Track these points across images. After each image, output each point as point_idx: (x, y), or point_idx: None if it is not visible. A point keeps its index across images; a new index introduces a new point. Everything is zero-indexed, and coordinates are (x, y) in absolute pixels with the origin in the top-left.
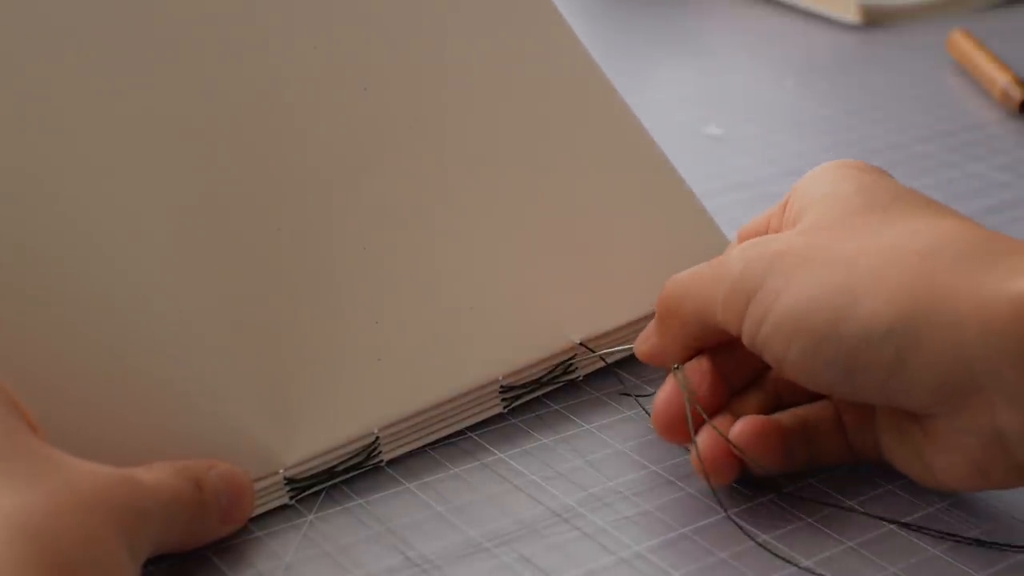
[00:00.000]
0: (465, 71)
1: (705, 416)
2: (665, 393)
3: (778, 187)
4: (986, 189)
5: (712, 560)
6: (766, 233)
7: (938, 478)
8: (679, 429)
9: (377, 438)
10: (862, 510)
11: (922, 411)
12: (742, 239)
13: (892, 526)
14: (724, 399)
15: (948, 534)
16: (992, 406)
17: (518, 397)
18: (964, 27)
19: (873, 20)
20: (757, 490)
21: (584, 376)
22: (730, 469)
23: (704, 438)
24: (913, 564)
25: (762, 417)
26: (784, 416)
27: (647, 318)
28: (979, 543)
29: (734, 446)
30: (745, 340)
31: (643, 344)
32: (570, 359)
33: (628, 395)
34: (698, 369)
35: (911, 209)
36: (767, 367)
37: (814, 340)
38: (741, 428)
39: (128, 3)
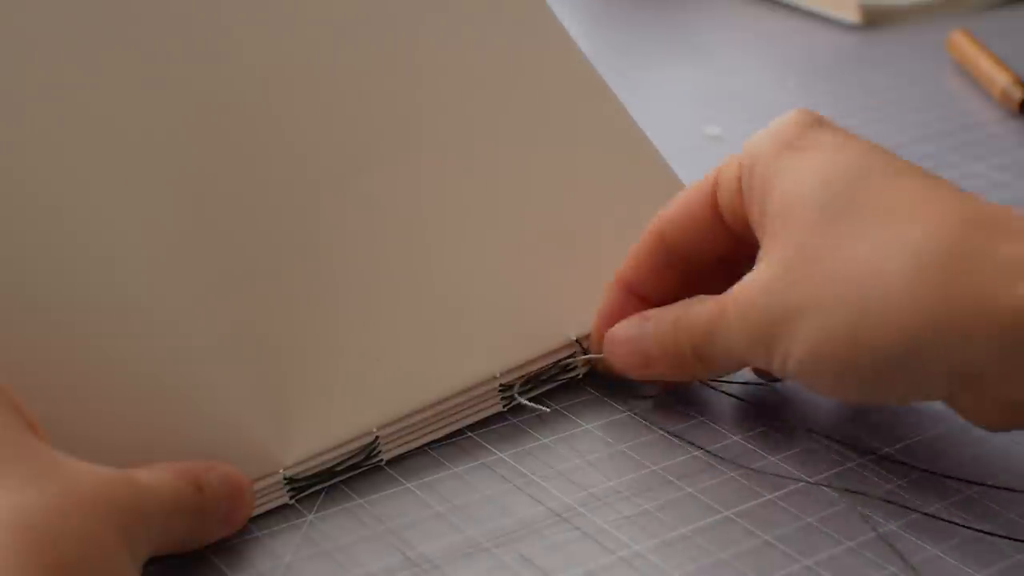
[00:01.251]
0: (460, 70)
1: None
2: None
3: None
4: (986, 189)
5: (712, 560)
6: (692, 220)
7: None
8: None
9: (377, 438)
10: (864, 510)
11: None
12: (665, 223)
13: (893, 525)
14: None
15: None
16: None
17: (520, 394)
18: (964, 27)
19: (873, 20)
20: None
21: (584, 376)
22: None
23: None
24: (914, 563)
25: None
26: None
27: None
28: (983, 534)
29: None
30: (776, 371)
31: (642, 368)
32: (569, 357)
33: (627, 394)
34: None
35: (887, 200)
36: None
37: (836, 375)
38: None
39: (124, 5)
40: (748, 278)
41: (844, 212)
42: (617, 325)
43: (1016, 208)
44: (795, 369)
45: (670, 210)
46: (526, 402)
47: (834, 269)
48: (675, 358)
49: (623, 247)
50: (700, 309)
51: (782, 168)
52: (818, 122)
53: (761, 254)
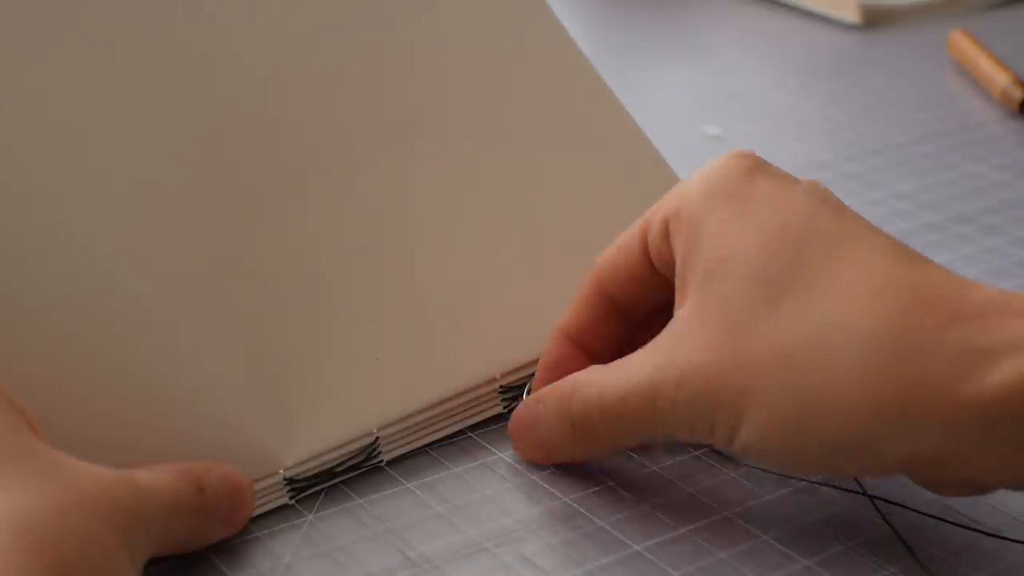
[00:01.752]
0: (459, 71)
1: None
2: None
3: None
4: (986, 189)
5: (712, 560)
6: (626, 267)
7: None
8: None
9: (377, 438)
10: (864, 511)
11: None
12: (601, 270)
13: (891, 526)
14: None
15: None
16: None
17: (518, 397)
18: (964, 27)
19: (873, 20)
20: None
21: None
22: None
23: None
24: (913, 564)
25: None
26: None
27: None
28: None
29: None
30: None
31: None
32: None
33: None
34: None
35: (832, 273)
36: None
37: (784, 457)
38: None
39: (123, 6)
40: (672, 347)
41: (785, 285)
42: (520, 405)
43: (1016, 208)
44: (740, 450)
45: (606, 256)
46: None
47: (778, 349)
48: (578, 443)
49: None
50: (607, 389)
51: (712, 220)
52: (756, 168)
53: (684, 313)
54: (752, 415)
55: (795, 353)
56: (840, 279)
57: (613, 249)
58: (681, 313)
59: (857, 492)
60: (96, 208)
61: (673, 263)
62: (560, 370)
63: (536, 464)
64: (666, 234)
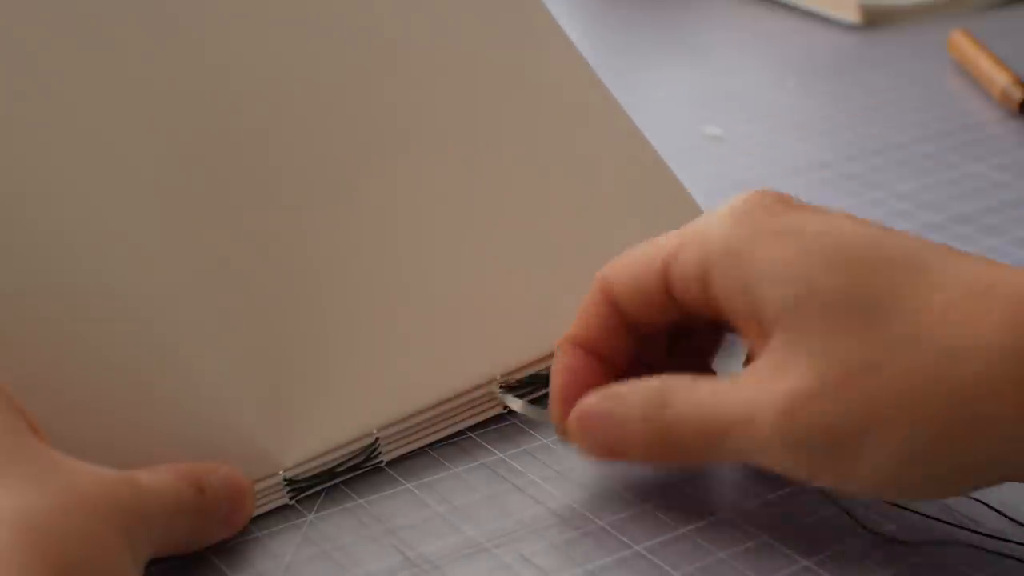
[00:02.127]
0: (457, 72)
1: None
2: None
3: (778, 187)
4: (986, 189)
5: (712, 560)
6: (641, 294)
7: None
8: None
9: (377, 439)
10: (864, 511)
11: None
12: (612, 284)
13: (893, 526)
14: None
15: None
16: None
17: (518, 397)
18: (964, 27)
19: (873, 20)
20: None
21: None
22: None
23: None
24: (913, 564)
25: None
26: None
27: None
28: (982, 537)
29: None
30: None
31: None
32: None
33: None
34: None
35: (908, 294)
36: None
37: (906, 490)
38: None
39: (122, 5)
40: (778, 391)
41: (874, 313)
42: (587, 399)
43: (1016, 208)
44: (857, 486)
45: (619, 272)
46: (516, 406)
47: (896, 381)
48: (660, 450)
49: (622, 249)
50: (704, 407)
51: (764, 256)
52: (784, 202)
53: (774, 353)
54: (873, 450)
55: (914, 386)
56: (917, 301)
57: (626, 270)
58: (773, 344)
59: (852, 514)
60: (96, 209)
61: (704, 302)
62: (579, 377)
63: (597, 459)
64: (698, 276)
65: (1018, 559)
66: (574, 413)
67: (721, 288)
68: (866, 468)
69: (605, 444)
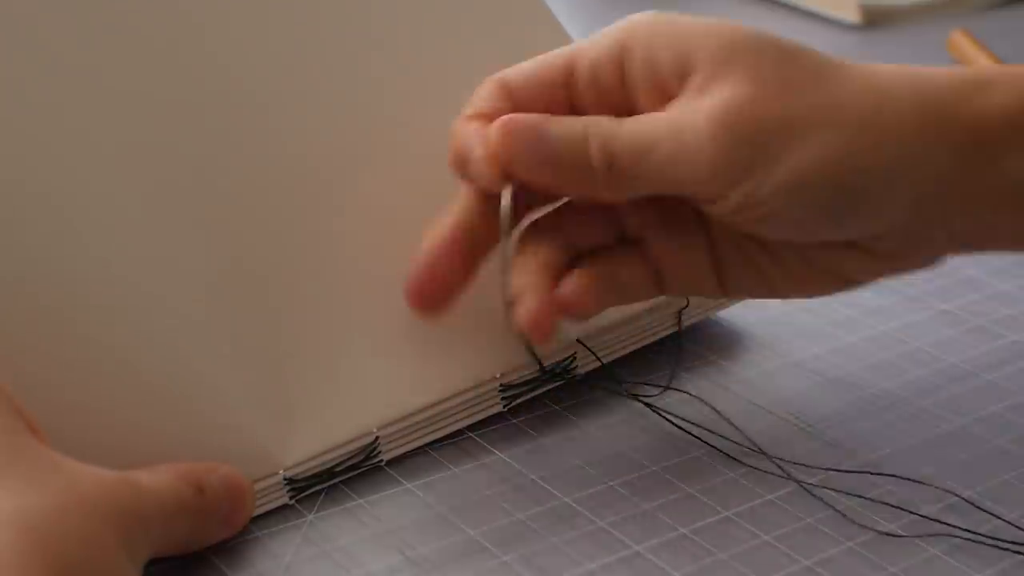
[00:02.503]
0: (456, 71)
1: None
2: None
3: None
4: None
5: (712, 560)
6: (545, 81)
7: (780, 291)
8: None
9: (377, 438)
10: (863, 512)
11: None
12: (512, 82)
13: (893, 526)
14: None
15: (949, 534)
16: None
17: (518, 396)
18: (964, 27)
19: (873, 20)
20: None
21: (584, 376)
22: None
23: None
24: (913, 565)
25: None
26: (598, 268)
27: (647, 314)
28: (979, 541)
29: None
30: (730, 201)
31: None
32: (570, 357)
33: (625, 394)
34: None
35: (822, 60)
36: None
37: (812, 201)
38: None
39: (121, 5)
40: (705, 104)
41: (801, 58)
42: (516, 115)
43: None
44: (769, 195)
45: (514, 72)
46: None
47: (819, 96)
48: (581, 169)
49: None
50: (634, 125)
51: (692, 22)
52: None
53: (698, 83)
54: (796, 150)
55: (834, 97)
56: (848, 67)
57: (523, 67)
58: (697, 79)
59: (856, 495)
60: (96, 210)
61: (614, 83)
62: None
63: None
64: (616, 56)
65: (1015, 561)
66: (499, 122)
67: (644, 52)
68: (783, 170)
69: (533, 164)
